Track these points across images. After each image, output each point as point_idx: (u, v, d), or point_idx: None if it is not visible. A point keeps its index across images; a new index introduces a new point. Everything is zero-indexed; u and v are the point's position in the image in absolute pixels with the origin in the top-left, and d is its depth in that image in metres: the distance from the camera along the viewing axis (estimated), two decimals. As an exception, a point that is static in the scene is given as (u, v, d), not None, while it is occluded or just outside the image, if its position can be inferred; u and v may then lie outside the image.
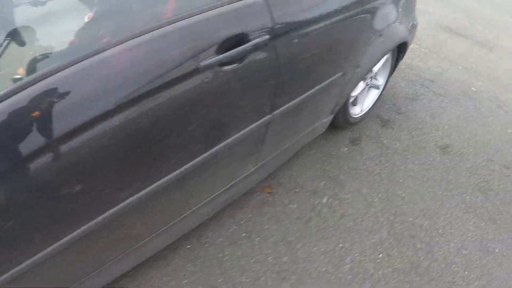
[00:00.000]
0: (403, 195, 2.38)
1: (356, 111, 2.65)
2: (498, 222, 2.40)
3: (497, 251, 2.24)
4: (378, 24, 2.04)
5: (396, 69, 2.74)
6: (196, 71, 1.08)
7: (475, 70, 3.75)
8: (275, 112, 1.53)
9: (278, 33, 1.30)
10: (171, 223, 1.51)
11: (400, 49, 2.57)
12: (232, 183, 1.68)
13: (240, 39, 1.23)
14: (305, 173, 2.40)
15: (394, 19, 2.22)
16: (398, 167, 2.55)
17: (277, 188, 2.21)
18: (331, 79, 1.90)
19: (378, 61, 2.24)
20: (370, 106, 2.76)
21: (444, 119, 3.03)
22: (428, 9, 4.72)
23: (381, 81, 2.70)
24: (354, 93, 2.43)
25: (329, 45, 1.72)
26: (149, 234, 1.44)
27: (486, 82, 3.61)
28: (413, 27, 2.64)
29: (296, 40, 1.40)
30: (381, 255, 2.05)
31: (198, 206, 1.55)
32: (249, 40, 1.24)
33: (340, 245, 2.05)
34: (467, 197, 2.49)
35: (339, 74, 1.95)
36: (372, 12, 1.95)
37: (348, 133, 2.73)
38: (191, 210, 1.56)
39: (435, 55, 3.82)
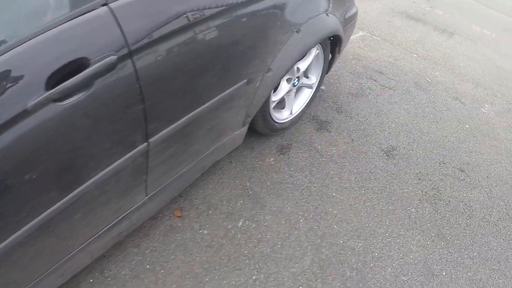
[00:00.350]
0: (335, 212, 2.02)
1: (284, 115, 2.28)
2: (448, 237, 2.05)
3: (444, 274, 1.90)
4: (294, 18, 1.70)
5: (336, 62, 2.38)
6: (24, 113, 0.89)
7: (431, 58, 3.40)
8: (152, 140, 1.29)
9: (134, 49, 1.06)
10: (55, 266, 1.30)
11: (336, 43, 2.19)
12: (122, 216, 1.46)
13: (79, 65, 0.98)
14: (221, 191, 2.04)
15: (320, 10, 1.89)
16: (331, 178, 2.18)
17: (189, 211, 1.87)
18: (228, 91, 1.55)
19: (298, 60, 1.87)
20: (302, 108, 2.39)
21: (392, 117, 2.67)
22: (386, -8, 4.35)
23: (313, 79, 2.33)
24: (276, 97, 2.06)
25: (218, 53, 1.37)
26: (32, 279, 1.24)
27: (443, 71, 3.25)
28: (351, 17, 2.27)
29: (163, 54, 1.15)
30: (300, 287, 1.69)
31: (84, 244, 1.36)
32: (90, 65, 0.99)
33: (254, 277, 1.71)
34: (413, 209, 2.14)
35: (241, 83, 1.61)
36: (283, 5, 1.61)
37: (277, 139, 2.36)
38: (78, 249, 1.35)
39: (388, 43, 3.46)
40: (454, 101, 2.93)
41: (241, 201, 2.01)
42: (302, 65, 2.10)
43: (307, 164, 2.24)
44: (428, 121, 2.70)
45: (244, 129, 1.96)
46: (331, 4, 1.96)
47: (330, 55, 2.32)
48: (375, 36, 3.46)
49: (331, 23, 1.97)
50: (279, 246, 1.86)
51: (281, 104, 2.26)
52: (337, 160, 2.30)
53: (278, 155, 2.28)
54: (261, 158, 2.24)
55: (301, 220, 1.97)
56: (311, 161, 2.27)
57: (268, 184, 2.11)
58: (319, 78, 2.37)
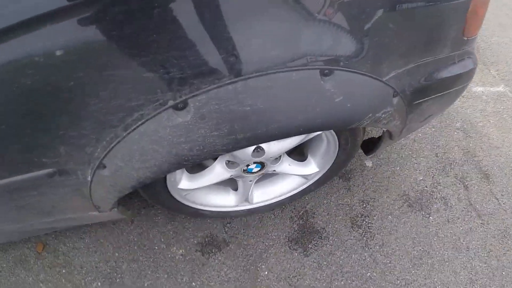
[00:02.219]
0: None
1: (230, 200, 1.38)
2: None
3: None
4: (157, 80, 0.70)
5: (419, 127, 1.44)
6: None
7: None
8: None
9: None
10: None
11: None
12: None
13: None
14: (92, 255, 1.42)
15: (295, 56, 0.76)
16: None
17: (49, 253, 1.42)
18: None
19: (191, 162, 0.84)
20: (277, 200, 1.40)
21: (439, 279, 1.48)
22: None
23: (312, 168, 1.29)
24: (191, 184, 1.16)
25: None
26: None
27: None
28: (447, 81, 1.09)
29: None
30: None
31: None
32: None
33: None
34: None
35: (39, 172, 0.83)
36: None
37: (218, 225, 1.43)
38: None
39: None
40: None
41: (99, 284, 1.35)
42: (271, 147, 1.03)
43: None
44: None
45: (112, 212, 1.09)
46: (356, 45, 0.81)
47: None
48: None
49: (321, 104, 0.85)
50: None
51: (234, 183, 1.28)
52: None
53: (196, 250, 1.39)
54: (172, 241, 1.38)
55: None
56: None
57: (146, 285, 1.36)
58: (327, 168, 1.26)
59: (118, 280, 1.35)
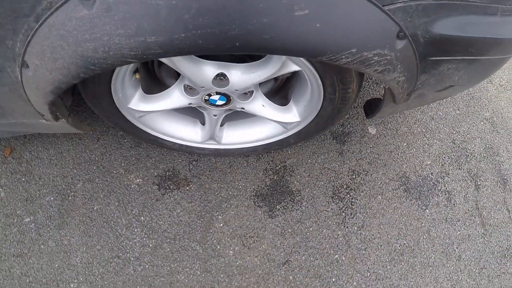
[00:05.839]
0: None
1: (195, 135, 1.20)
2: None
3: None
4: None
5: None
6: None
7: None
8: None
9: None
10: None
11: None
12: None
13: None
14: (52, 168, 1.33)
15: None
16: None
17: (15, 159, 1.34)
18: None
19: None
20: (249, 146, 1.26)
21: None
22: None
23: (292, 117, 1.11)
24: (144, 106, 1.03)
25: None
26: None
27: None
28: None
29: None
30: None
31: None
32: None
33: None
34: None
35: None
36: None
37: (182, 162, 1.31)
38: None
39: None
40: None
41: (51, 198, 1.27)
42: (234, 76, 0.88)
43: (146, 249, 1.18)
44: None
45: (60, 122, 0.98)
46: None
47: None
48: None
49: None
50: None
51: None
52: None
53: (153, 183, 1.29)
54: (132, 168, 1.29)
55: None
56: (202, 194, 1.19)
57: (95, 208, 1.23)
58: (309, 120, 1.10)
59: (70, 198, 1.26)
